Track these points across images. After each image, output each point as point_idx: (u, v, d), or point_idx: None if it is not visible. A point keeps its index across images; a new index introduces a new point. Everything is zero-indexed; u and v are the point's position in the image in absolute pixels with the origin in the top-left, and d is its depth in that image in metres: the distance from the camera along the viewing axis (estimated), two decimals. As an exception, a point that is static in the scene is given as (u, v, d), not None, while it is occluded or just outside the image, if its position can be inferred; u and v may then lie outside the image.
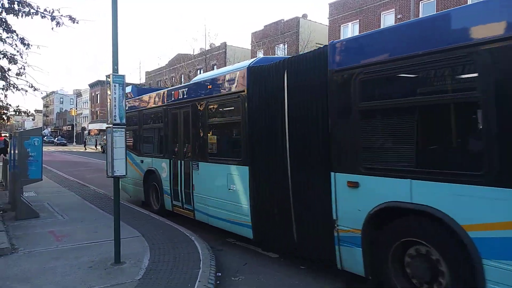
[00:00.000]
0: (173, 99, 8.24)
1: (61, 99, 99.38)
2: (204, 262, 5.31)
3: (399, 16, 21.96)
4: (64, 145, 66.32)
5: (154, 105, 9.18)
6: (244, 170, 6.05)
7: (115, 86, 5.32)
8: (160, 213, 8.70)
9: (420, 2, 21.15)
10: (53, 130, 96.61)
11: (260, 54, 33.53)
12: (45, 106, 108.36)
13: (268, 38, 32.71)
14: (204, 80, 7.45)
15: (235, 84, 6.33)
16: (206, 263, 5.25)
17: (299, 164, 5.16)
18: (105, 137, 6.61)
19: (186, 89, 7.85)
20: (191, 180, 7.49)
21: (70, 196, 11.29)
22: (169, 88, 8.68)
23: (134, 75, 73.40)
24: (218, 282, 4.89)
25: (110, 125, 5.33)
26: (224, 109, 7.00)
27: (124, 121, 5.45)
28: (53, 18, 8.18)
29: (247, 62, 6.40)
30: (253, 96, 5.90)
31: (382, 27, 22.48)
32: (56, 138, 74.25)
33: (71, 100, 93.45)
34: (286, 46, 31.54)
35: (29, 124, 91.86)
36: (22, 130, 12.31)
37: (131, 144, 10.25)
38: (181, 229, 7.20)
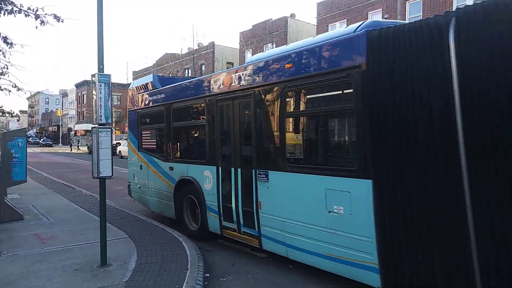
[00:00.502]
0: (221, 87, 6.26)
1: (47, 100, 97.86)
2: (192, 263, 5.27)
3: (386, 16, 22.17)
4: (50, 146, 65.37)
5: (190, 97, 7.13)
6: (362, 184, 4.07)
7: (100, 85, 5.26)
8: (200, 237, 6.87)
9: (407, 2, 21.39)
10: (38, 131, 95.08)
11: (249, 54, 33.52)
12: (30, 106, 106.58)
13: (256, 38, 32.73)
14: (277, 57, 5.30)
15: (340, 58, 4.41)
16: (194, 264, 5.21)
17: (495, 177, 3.24)
18: (91, 138, 6.08)
19: (245, 72, 5.79)
20: (254, 195, 5.54)
21: (56, 198, 11.10)
22: (215, 73, 6.73)
23: (121, 75, 72.85)
24: (206, 283, 4.86)
25: (96, 126, 5.26)
26: (318, 95, 5.03)
27: (110, 121, 5.38)
28: (37, 17, 8.03)
29: (351, 28, 4.59)
30: (379, 74, 3.96)
31: (369, 27, 22.69)
32: (42, 139, 73.13)
33: (57, 101, 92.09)
34: (274, 46, 31.61)
35: (13, 125, 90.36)
36: (6, 131, 12.07)
37: (154, 146, 8.39)
38: (169, 230, 7.13)
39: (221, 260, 5.89)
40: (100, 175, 5.20)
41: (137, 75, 55.46)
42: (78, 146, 53.37)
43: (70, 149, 54.03)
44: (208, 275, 5.13)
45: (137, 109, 8.91)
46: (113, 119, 52.31)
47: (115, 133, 52.36)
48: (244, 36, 34.61)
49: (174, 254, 5.65)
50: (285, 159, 5.10)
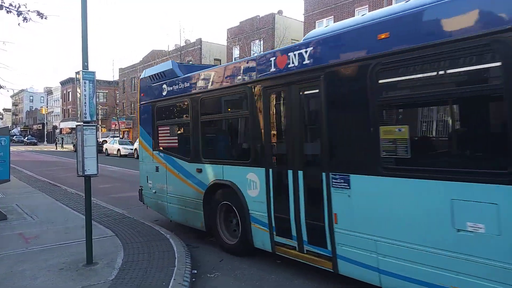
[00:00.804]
0: (273, 70, 5.08)
1: (31, 97, 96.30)
2: (179, 259, 5.25)
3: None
4: (35, 144, 64.43)
5: (226, 84, 5.91)
6: None
7: (85, 83, 5.21)
8: (241, 252, 5.81)
9: (392, -2, 21.59)
10: (22, 129, 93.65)
11: (236, 50, 33.47)
12: (14, 104, 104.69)
13: (244, 34, 32.69)
14: (362, 27, 4.17)
15: (473, 20, 3.24)
16: (182, 261, 5.20)
17: None
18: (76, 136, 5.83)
19: (309, 49, 4.60)
20: (326, 205, 4.38)
21: (41, 197, 10.94)
22: (260, 54, 5.51)
23: (108, 72, 72.19)
24: (193, 279, 4.85)
25: (81, 123, 5.21)
26: (435, 73, 3.64)
27: (94, 118, 5.32)
28: (19, 13, 7.89)
29: None
30: None
31: (355, 23, 22.92)
32: (26, 137, 72.00)
33: (42, 98, 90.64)
34: (262, 42, 31.60)
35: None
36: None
37: (175, 145, 7.14)
38: (156, 227, 7.10)
39: (208, 256, 5.89)
40: (85, 173, 5.15)
41: (123, 72, 54.99)
42: (62, 144, 52.87)
43: (55, 147, 53.37)
44: (195, 271, 5.13)
45: (152, 102, 7.57)
46: (99, 116, 51.81)
47: (101, 131, 51.82)
48: (232, 33, 34.52)
49: (161, 251, 5.63)
50: (379, 159, 3.87)
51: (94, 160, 5.20)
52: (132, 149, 31.27)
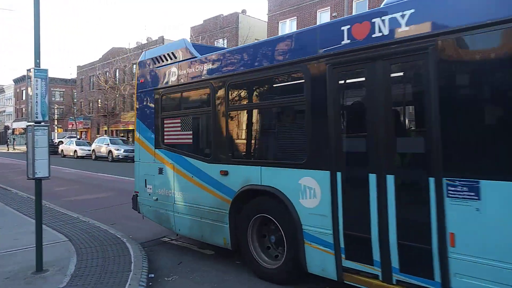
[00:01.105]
0: (346, 42, 3.93)
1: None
2: (135, 264, 5.11)
3: (334, 14, 22.89)
4: (-15, 145, 60.81)
5: (269, 63, 4.68)
6: None
7: (37, 81, 4.97)
8: (284, 277, 4.61)
9: (354, 1, 22.22)
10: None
11: (199, 49, 33.23)
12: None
13: (207, 33, 32.53)
14: None
15: None
16: (138, 265, 5.06)
17: None
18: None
19: (410, 12, 3.49)
20: (435, 222, 3.33)
21: (-11, 201, 10.30)
22: (329, 22, 4.44)
23: (65, 70, 69.52)
24: (150, 283, 4.74)
25: (31, 123, 4.96)
26: None
27: (46, 118, 5.09)
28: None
29: None
30: None
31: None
32: (-25, 138, 67.78)
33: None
34: (225, 42, 31.55)
35: None
36: None
37: (188, 141, 5.93)
38: (112, 230, 6.86)
39: (167, 259, 5.77)
40: (36, 175, 4.91)
41: (81, 69, 53.14)
42: (13, 145, 50.39)
43: (7, 148, 50.69)
44: (152, 275, 5.01)
45: (156, 89, 6.29)
46: (55, 116, 49.70)
47: (57, 131, 49.74)
48: (195, 31, 34.25)
49: (117, 256, 5.45)
50: None
51: (45, 162, 4.96)
52: (89, 150, 30.25)
